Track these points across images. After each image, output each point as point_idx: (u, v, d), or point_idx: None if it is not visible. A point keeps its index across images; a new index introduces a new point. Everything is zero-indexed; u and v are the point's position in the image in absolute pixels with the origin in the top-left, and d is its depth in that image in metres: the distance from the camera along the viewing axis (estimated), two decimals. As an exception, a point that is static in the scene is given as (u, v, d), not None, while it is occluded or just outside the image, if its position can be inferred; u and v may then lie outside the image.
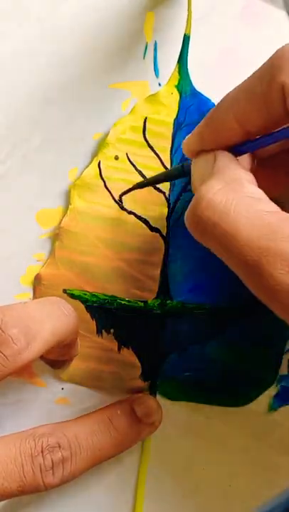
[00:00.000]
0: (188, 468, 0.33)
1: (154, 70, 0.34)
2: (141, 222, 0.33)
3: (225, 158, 0.27)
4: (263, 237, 0.23)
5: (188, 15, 0.33)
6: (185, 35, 0.33)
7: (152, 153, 0.33)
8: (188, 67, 0.33)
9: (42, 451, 0.27)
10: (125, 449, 0.30)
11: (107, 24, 0.34)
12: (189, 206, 0.25)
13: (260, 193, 0.25)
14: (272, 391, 0.33)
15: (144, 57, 0.34)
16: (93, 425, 0.29)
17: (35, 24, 0.33)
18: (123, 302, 0.32)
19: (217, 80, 0.34)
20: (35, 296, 0.33)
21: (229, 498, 0.33)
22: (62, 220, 0.33)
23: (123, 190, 0.32)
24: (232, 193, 0.24)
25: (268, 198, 0.25)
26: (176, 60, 0.33)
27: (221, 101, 0.27)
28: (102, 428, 0.29)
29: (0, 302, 0.33)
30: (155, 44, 0.34)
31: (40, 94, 0.33)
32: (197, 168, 0.28)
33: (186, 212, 0.26)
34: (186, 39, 0.33)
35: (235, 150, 0.27)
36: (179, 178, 0.32)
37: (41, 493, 0.32)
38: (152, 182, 0.32)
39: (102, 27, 0.34)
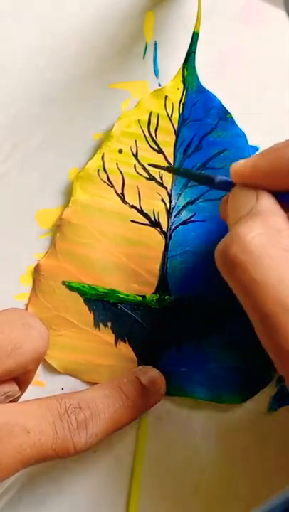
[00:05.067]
0: (188, 468, 0.33)
1: (154, 70, 0.34)
2: (142, 217, 0.33)
3: (269, 202, 0.26)
4: None
5: (198, 12, 0.33)
6: (194, 32, 0.33)
7: (156, 148, 0.33)
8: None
9: (66, 411, 0.28)
10: (138, 416, 0.31)
11: (107, 24, 0.34)
12: (222, 240, 0.25)
13: None
14: (271, 391, 0.33)
15: (144, 57, 0.34)
16: (106, 391, 0.30)
17: (35, 24, 0.34)
18: (121, 296, 0.33)
19: (217, 80, 0.34)
20: (34, 286, 0.33)
21: (229, 498, 0.33)
22: (63, 211, 0.33)
23: (152, 164, 0.32)
24: (270, 242, 0.24)
25: None
26: (176, 60, 0.33)
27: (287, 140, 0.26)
28: (114, 393, 0.30)
29: (0, 302, 0.33)
30: (155, 44, 0.34)
31: (40, 94, 0.33)
32: (236, 199, 0.27)
33: (218, 247, 0.25)
34: (195, 35, 0.33)
35: (282, 197, 0.26)
36: (205, 185, 0.31)
37: (41, 493, 0.32)
38: (180, 173, 0.32)
39: (102, 27, 0.34)
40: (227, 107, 0.33)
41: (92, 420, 0.29)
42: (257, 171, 0.27)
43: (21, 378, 0.29)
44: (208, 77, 0.34)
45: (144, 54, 0.34)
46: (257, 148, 0.34)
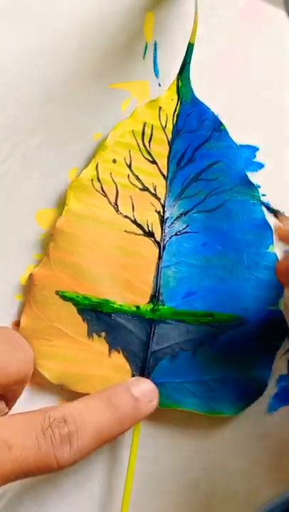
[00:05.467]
0: (188, 469, 0.33)
1: (154, 70, 0.34)
2: (136, 227, 0.33)
3: None
4: None
5: (193, 25, 0.33)
6: (189, 43, 0.33)
7: (150, 159, 0.33)
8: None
9: (50, 426, 0.27)
10: (127, 428, 0.30)
11: (107, 24, 0.34)
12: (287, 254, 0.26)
13: None
14: (271, 391, 0.33)
15: (144, 57, 0.34)
16: (94, 403, 0.29)
17: (35, 24, 0.34)
18: (115, 306, 0.32)
19: (216, 80, 0.34)
20: (26, 296, 0.33)
21: (229, 498, 0.33)
22: (57, 220, 0.33)
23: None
24: None
25: None
26: (176, 60, 0.33)
27: None
28: (102, 405, 0.29)
29: (0, 302, 0.33)
30: (155, 44, 0.34)
31: (40, 94, 0.33)
32: None
33: (280, 261, 0.26)
34: (190, 47, 0.33)
35: None
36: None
37: (39, 494, 0.32)
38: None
39: (102, 27, 0.34)
40: (226, 108, 0.33)
41: (77, 434, 0.28)
42: None
43: (8, 396, 0.29)
44: (207, 78, 0.34)
45: (144, 54, 0.34)
46: (256, 149, 0.34)
